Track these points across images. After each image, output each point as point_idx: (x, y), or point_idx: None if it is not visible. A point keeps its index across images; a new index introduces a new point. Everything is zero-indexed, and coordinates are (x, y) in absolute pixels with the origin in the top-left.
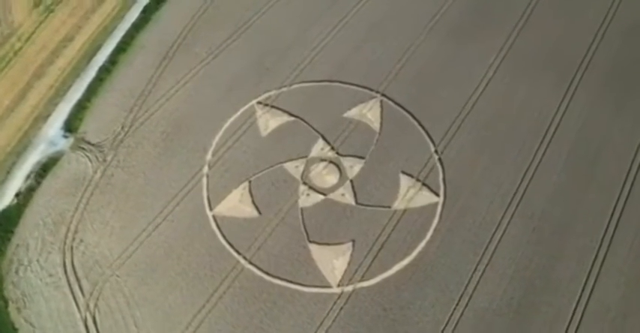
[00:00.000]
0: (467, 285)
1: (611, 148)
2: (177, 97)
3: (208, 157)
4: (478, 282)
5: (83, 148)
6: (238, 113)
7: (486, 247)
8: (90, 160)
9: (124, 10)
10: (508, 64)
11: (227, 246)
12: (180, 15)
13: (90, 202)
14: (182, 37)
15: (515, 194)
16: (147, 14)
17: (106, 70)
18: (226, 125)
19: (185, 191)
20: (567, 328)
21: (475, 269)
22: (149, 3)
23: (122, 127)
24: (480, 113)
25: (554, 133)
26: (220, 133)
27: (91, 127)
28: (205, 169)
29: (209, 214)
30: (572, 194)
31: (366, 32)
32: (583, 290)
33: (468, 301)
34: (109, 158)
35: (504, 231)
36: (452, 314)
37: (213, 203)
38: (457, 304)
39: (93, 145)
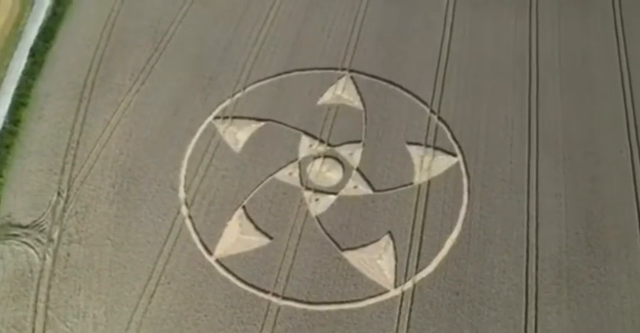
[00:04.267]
0: (527, 236)
1: (595, 51)
2: (116, 139)
3: (181, 195)
4: (537, 229)
5: (15, 235)
6: (197, 136)
7: (528, 191)
8: (30, 246)
9: (5, 59)
10: (463, 4)
11: (249, 289)
12: (80, 48)
13: (51, 296)
14: (93, 71)
15: (529, 128)
16: (37, 57)
17: (9, 134)
18: (188, 153)
19: (170, 244)
20: None
21: (527, 217)
22: (35, 43)
23: (58, 194)
24: (458, 60)
25: (537, 56)
26: (185, 165)
27: (15, 205)
28: (184, 210)
29: (211, 260)
30: (581, 109)
31: (304, 12)
32: (637, 199)
33: (537, 252)
34: (55, 236)
35: (537, 168)
36: (527, 271)
37: (210, 246)
38: (527, 260)
39: (26, 226)
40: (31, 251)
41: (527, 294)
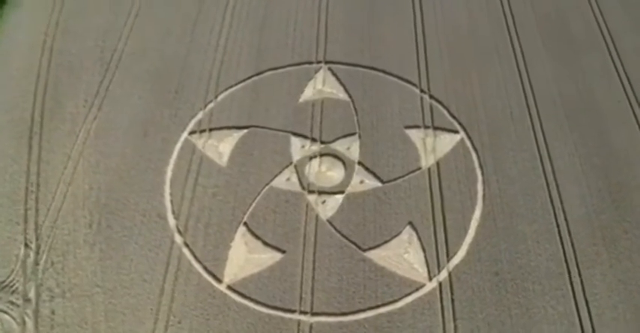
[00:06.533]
0: (552, 201)
1: (566, 2)
2: (82, 173)
3: (171, 222)
4: (558, 191)
5: None
6: (174, 156)
7: (540, 155)
8: (3, 312)
9: None
10: None
11: (272, 311)
12: (17, 80)
13: None
14: (39, 103)
15: (525, 93)
16: None
17: None
18: (169, 176)
19: (171, 278)
20: None
21: (546, 181)
22: None
23: (26, 245)
24: (436, 35)
25: (512, 18)
26: (167, 189)
27: None
28: (178, 238)
29: (221, 288)
30: (570, 64)
31: (263, 8)
32: None
33: (565, 216)
34: (31, 294)
35: (542, 131)
36: (561, 238)
37: (217, 273)
38: (557, 226)
39: None
40: (6, 317)
41: (567, 261)
